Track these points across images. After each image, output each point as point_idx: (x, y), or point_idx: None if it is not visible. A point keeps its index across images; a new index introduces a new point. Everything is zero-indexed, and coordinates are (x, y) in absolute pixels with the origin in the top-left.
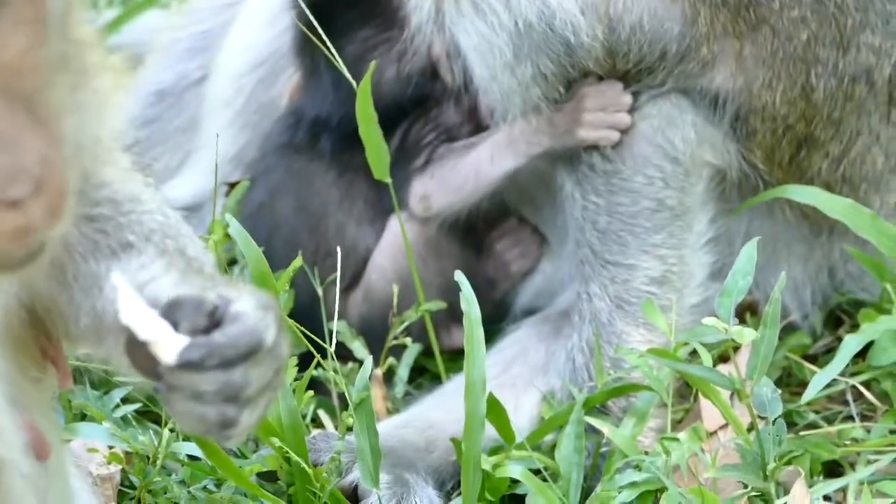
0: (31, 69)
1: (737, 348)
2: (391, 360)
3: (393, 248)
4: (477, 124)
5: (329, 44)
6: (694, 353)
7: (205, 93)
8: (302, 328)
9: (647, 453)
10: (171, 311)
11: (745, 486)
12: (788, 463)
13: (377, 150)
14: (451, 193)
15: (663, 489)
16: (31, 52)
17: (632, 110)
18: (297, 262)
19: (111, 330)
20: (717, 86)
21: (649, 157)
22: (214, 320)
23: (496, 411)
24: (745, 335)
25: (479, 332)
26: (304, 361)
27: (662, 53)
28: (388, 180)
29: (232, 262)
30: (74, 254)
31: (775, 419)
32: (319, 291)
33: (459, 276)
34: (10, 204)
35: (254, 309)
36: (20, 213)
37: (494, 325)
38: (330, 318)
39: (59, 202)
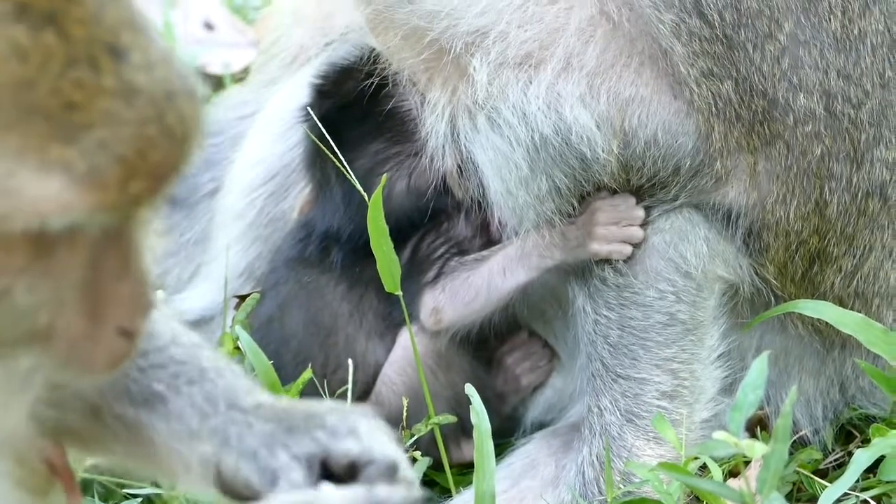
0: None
1: (747, 463)
2: None
3: (403, 361)
4: (488, 238)
5: (340, 157)
6: (704, 467)
7: (217, 205)
8: None
9: None
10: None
11: None
12: None
13: (388, 263)
14: (462, 307)
15: None
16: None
17: (644, 224)
18: (307, 374)
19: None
20: (730, 201)
21: (661, 272)
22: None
23: None
24: (756, 450)
25: (489, 446)
26: None
27: (676, 168)
28: (399, 293)
29: None
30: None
31: None
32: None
33: (470, 390)
34: (128, 333)
35: (373, 431)
36: (130, 342)
37: (504, 439)
38: None
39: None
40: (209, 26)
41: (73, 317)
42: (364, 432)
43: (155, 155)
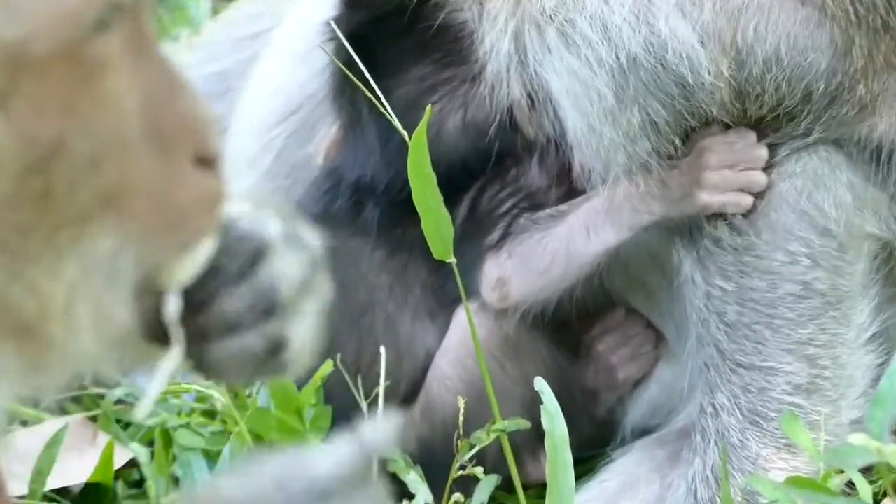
0: None
1: None
2: (457, 495)
3: (460, 349)
4: (568, 188)
5: (374, 86)
6: (853, 483)
7: (224, 149)
8: None
9: None
10: None
11: None
12: None
13: (437, 222)
14: (535, 278)
15: None
16: None
17: (768, 168)
18: (327, 367)
19: None
20: (879, 134)
21: (792, 228)
22: None
23: None
24: None
25: (566, 458)
26: None
27: (807, 94)
28: (453, 261)
29: None
30: None
31: None
32: (364, 407)
33: (540, 384)
34: (206, 160)
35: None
36: (213, 173)
37: (597, 450)
38: None
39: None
40: None
41: (142, 157)
42: None
43: None
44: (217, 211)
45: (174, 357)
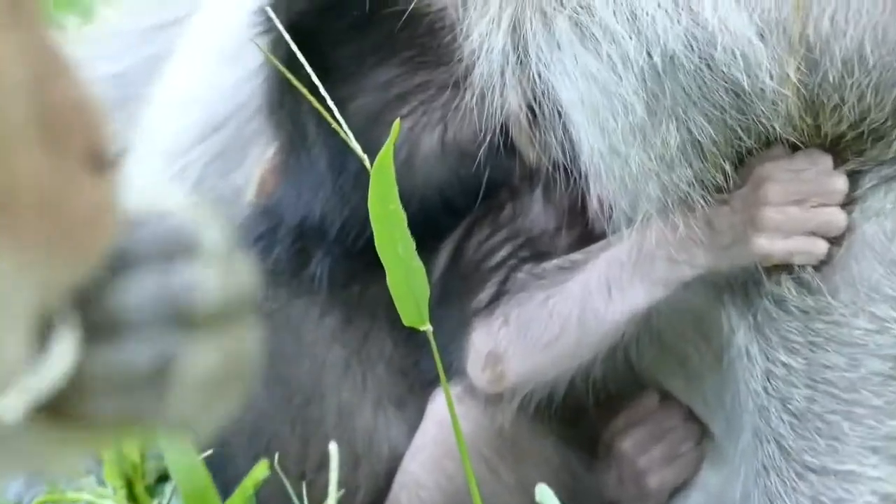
0: None
1: None
2: None
3: (437, 448)
4: (582, 231)
5: (325, 94)
6: None
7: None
8: None
9: None
10: None
11: None
12: None
13: (408, 277)
14: (538, 352)
15: None
16: None
17: (849, 203)
18: (261, 469)
19: None
20: None
21: (879, 285)
22: None
23: None
24: None
25: None
26: None
27: None
28: (429, 329)
29: (163, 478)
30: None
31: None
32: None
33: (544, 494)
34: (98, 159)
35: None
36: (105, 177)
37: None
38: None
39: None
40: None
41: (29, 153)
42: None
43: None
44: (110, 228)
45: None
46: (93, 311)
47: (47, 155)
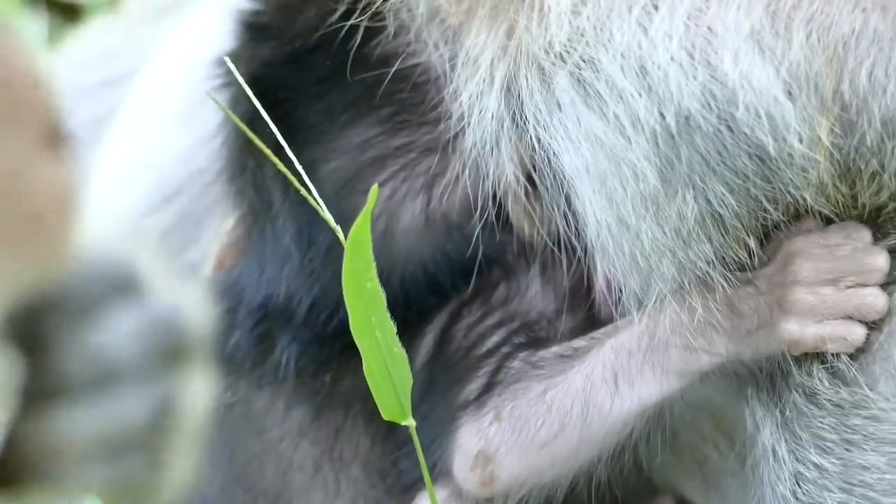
0: None
1: None
2: None
3: None
4: (586, 315)
5: (291, 156)
6: None
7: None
8: None
9: None
10: None
11: None
12: None
13: (387, 365)
14: (535, 451)
15: None
16: None
17: (890, 283)
18: None
19: None
20: None
21: None
22: None
23: None
24: None
25: None
26: None
27: None
28: (411, 424)
29: None
30: None
31: None
32: None
33: None
34: (54, 137)
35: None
36: (64, 157)
37: None
38: None
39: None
40: None
41: None
42: None
43: None
44: (71, 213)
45: None
46: (53, 364)
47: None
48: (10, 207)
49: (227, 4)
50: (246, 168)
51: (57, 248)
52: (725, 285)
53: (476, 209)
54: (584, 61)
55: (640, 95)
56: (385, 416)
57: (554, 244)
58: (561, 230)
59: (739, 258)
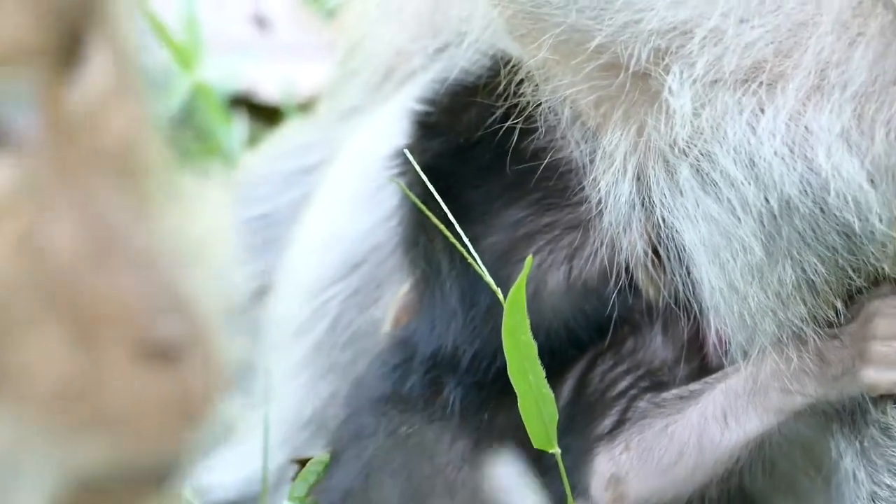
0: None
1: None
2: None
3: None
4: (700, 364)
5: (459, 231)
6: None
7: (265, 315)
8: None
9: None
10: None
11: None
12: None
13: (538, 403)
14: (658, 475)
15: None
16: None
17: None
18: None
19: None
20: None
21: None
22: None
23: None
24: None
25: None
26: None
27: None
28: (557, 451)
29: None
30: None
31: None
32: None
33: None
34: (158, 353)
35: None
36: (173, 368)
37: None
38: None
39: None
40: (261, 23)
41: (43, 334)
42: None
43: None
44: (184, 419)
45: None
46: None
47: (73, 337)
48: (79, 406)
49: (403, 107)
50: (418, 242)
51: (151, 444)
52: (816, 339)
53: (611, 277)
54: (702, 155)
55: (749, 183)
56: (535, 445)
57: (674, 305)
58: (680, 293)
59: (828, 317)
